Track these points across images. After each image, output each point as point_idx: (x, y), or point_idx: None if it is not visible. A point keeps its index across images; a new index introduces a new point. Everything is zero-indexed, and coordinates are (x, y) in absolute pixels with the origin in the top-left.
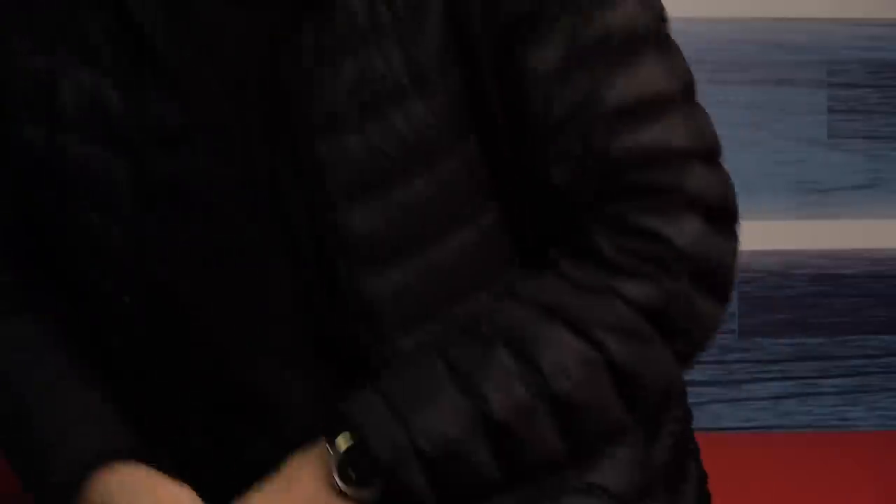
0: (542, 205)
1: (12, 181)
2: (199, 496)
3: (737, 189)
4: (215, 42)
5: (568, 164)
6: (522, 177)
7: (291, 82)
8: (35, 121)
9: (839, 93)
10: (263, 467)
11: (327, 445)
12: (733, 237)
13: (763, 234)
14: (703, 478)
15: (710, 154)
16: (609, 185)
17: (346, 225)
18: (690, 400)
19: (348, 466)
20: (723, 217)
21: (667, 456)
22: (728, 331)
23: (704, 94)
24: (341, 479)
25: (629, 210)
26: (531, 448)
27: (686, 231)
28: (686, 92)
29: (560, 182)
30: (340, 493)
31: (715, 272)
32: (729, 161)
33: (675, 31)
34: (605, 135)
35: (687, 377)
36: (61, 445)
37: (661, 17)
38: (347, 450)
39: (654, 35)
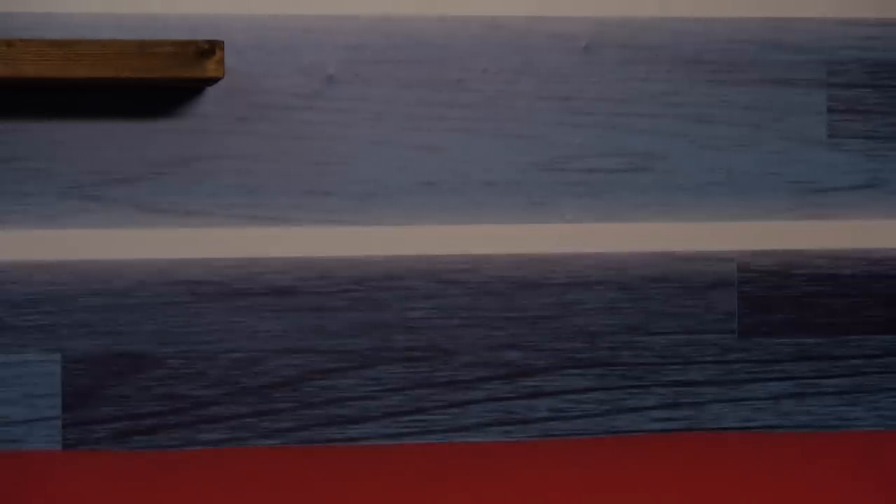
0: None
1: None
2: None
3: (737, 189)
4: None
5: None
6: None
7: None
8: None
9: (838, 93)
10: None
11: None
12: None
13: (763, 234)
14: None
15: None
16: None
17: None
18: (690, 400)
19: None
20: None
21: None
22: (728, 331)
23: (704, 95)
24: None
25: None
26: None
27: None
28: None
29: None
30: None
31: None
32: (729, 161)
33: (676, 31)
34: None
35: (687, 377)
36: None
37: None
38: None
39: None
